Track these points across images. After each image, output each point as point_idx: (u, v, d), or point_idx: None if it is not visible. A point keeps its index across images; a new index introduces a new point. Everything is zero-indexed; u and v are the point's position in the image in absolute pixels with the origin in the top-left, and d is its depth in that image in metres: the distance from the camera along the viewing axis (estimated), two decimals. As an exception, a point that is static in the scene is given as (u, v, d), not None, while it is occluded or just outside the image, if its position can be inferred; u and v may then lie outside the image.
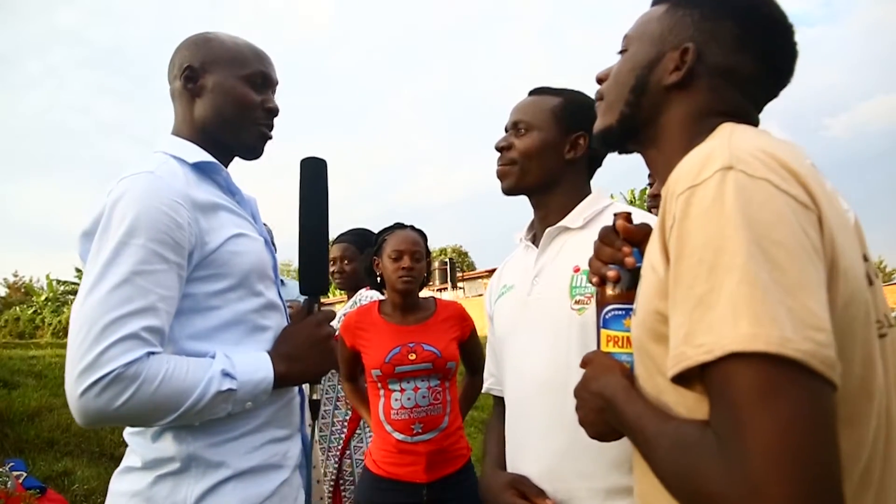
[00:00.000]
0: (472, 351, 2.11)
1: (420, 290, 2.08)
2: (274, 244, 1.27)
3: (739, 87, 0.79)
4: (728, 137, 0.67)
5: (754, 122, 0.80)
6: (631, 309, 0.80)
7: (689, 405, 0.62)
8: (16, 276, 34.05)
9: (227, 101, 1.17)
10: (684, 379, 0.59)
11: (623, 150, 0.90)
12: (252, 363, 1.06)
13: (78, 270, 28.88)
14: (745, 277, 0.54)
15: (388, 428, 1.90)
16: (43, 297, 29.05)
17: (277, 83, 1.26)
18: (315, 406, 1.23)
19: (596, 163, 1.33)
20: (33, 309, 28.15)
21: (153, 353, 0.96)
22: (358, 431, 2.39)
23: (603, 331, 0.86)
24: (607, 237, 0.87)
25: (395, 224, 2.12)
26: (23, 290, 32.70)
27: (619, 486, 1.07)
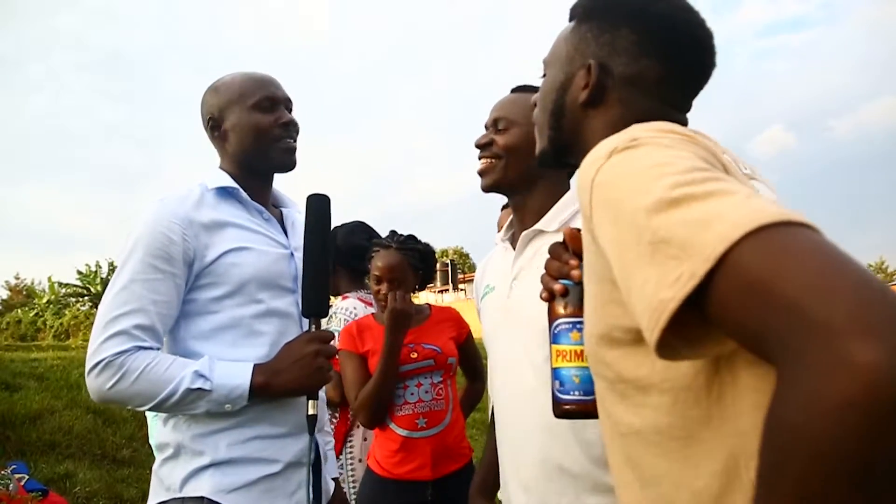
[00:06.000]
0: (468, 354, 2.11)
1: (423, 289, 2.05)
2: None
3: (651, 92, 0.78)
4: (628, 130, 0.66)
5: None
6: (579, 322, 0.78)
7: (665, 403, 0.59)
8: (17, 278, 34.10)
9: (246, 134, 1.32)
10: (662, 348, 0.50)
11: (567, 168, 0.91)
12: (231, 371, 1.18)
13: (79, 273, 28.91)
14: (693, 199, 0.49)
15: (393, 425, 1.91)
16: (44, 300, 29.09)
17: (288, 98, 1.37)
18: (311, 421, 1.23)
19: None
20: (35, 311, 28.16)
21: (142, 347, 1.15)
22: (349, 439, 2.39)
23: (553, 346, 0.83)
24: (556, 251, 0.85)
25: (384, 240, 2.04)
26: (24, 292, 32.75)
27: (603, 484, 1.05)
